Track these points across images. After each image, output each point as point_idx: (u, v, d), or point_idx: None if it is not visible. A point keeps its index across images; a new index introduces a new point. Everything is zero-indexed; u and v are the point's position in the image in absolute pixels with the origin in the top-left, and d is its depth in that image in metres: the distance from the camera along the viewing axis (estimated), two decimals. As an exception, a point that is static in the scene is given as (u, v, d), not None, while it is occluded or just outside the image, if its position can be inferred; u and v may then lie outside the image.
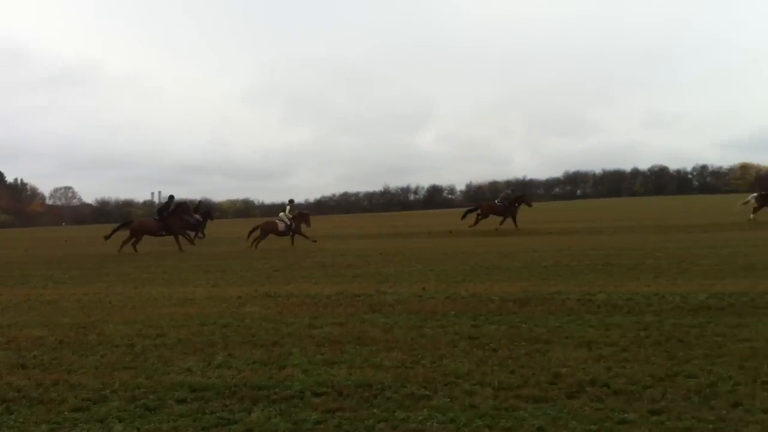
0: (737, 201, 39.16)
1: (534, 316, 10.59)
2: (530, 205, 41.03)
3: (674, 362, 7.50)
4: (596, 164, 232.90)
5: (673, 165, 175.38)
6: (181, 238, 31.24)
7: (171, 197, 32.43)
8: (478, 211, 39.34)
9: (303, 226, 31.79)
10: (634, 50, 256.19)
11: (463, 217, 39.87)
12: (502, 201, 39.50)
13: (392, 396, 6.66)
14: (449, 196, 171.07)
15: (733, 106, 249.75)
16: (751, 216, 34.81)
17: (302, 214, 32.78)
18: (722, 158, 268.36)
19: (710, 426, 5.56)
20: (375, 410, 6.24)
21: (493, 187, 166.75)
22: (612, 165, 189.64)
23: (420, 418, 6.00)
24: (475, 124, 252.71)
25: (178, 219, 31.68)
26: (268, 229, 31.34)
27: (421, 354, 8.33)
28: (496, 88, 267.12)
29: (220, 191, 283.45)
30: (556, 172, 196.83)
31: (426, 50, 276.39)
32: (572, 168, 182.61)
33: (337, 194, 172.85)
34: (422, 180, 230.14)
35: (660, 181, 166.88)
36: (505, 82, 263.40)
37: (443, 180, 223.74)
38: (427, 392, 6.73)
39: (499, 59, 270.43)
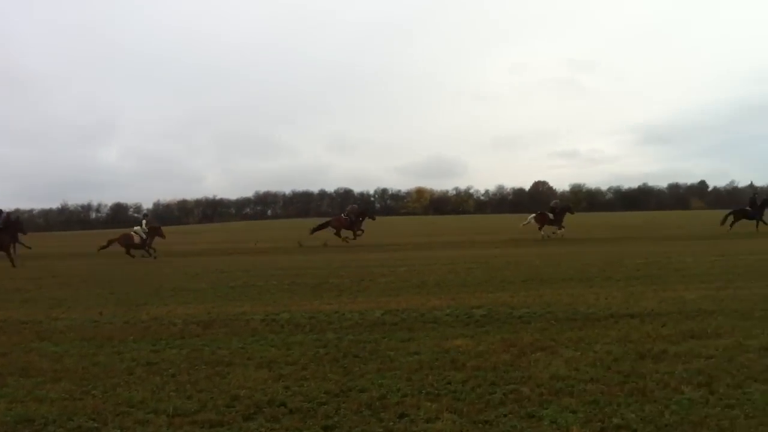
0: (520, 221, 43.56)
1: (218, 338, 10.41)
2: (373, 219, 42.30)
3: (349, 377, 7.78)
4: (286, 185, 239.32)
5: (357, 187, 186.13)
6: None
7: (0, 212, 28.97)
8: (329, 227, 40.12)
9: (156, 240, 31.97)
10: (322, 76, 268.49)
11: (313, 231, 40.42)
12: (348, 215, 40.53)
13: (57, 430, 6.14)
14: (135, 215, 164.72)
15: (410, 134, 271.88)
16: (541, 233, 39.25)
17: (155, 227, 32.71)
18: (400, 182, 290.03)
19: (378, 437, 5.82)
20: (34, 448, 5.67)
21: (183, 206, 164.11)
22: (301, 186, 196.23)
23: (85, 453, 5.56)
24: (163, 141, 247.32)
25: (9, 234, 29.67)
26: (125, 242, 30.95)
27: (92, 384, 7.77)
28: (186, 105, 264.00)
29: None
30: (247, 192, 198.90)
31: (110, 60, 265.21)
32: (263, 188, 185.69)
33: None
34: (106, 197, 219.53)
35: (345, 203, 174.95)
36: (196, 99, 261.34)
37: (129, 197, 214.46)
38: (96, 424, 6.29)
39: (188, 75, 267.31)
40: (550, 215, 40.14)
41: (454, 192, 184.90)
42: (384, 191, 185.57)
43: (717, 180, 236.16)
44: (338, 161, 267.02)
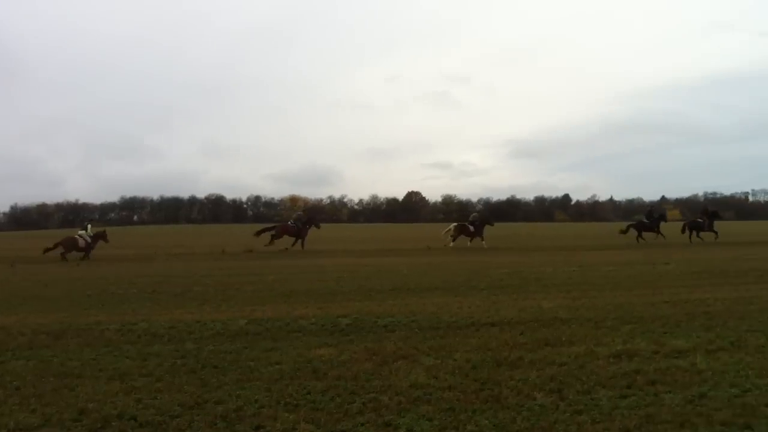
0: (441, 229, 44.14)
1: (68, 349, 9.92)
2: (318, 227, 41.74)
3: (206, 389, 7.57)
4: (154, 190, 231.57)
5: (229, 194, 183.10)
6: None
7: None
8: (273, 232, 39.58)
9: (100, 243, 32.88)
10: (194, 79, 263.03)
11: (257, 235, 39.82)
12: (295, 222, 40.18)
13: None
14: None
15: (285, 141, 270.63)
16: (450, 244, 39.36)
17: (101, 232, 33.76)
18: (274, 190, 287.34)
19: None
20: None
21: (42, 210, 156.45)
22: (170, 192, 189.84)
23: None
24: (22, 142, 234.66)
25: None
26: (69, 245, 31.25)
27: (-77, 400, 7.23)
28: (48, 105, 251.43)
29: None
30: (113, 196, 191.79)
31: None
32: (129, 193, 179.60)
33: None
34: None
35: (217, 209, 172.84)
36: (59, 99, 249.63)
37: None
38: (-74, 443, 5.86)
39: (52, 74, 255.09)
40: (471, 227, 40.82)
41: (329, 201, 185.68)
42: (257, 198, 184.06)
43: (579, 194, 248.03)
44: (210, 167, 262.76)
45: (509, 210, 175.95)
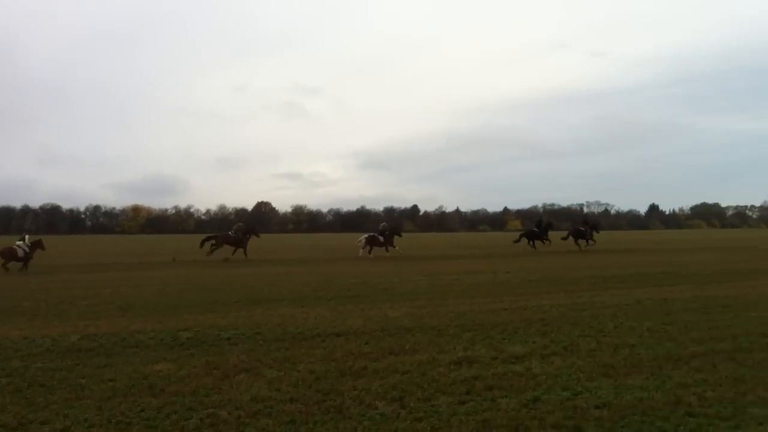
0: (354, 240, 45.93)
1: None
2: (258, 236, 42.93)
3: (31, 409, 7.12)
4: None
5: (66, 204, 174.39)
6: None
7: None
8: (213, 241, 39.93)
9: (38, 252, 32.68)
10: (26, 82, 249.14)
11: (201, 245, 40.23)
12: (235, 232, 40.90)
13: None
14: None
15: (126, 150, 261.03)
16: (369, 254, 40.56)
17: (37, 241, 33.10)
18: (115, 200, 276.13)
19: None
20: None
21: None
22: (1, 201, 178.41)
23: None
24: None
25: None
26: (8, 256, 30.79)
27: None
28: None
29: None
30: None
31: None
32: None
33: None
34: None
35: (52, 220, 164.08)
36: None
37: None
38: None
39: None
40: (381, 237, 42.14)
41: (174, 211, 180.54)
42: (96, 208, 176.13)
43: (427, 205, 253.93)
44: (45, 176, 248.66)
45: (359, 220, 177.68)
